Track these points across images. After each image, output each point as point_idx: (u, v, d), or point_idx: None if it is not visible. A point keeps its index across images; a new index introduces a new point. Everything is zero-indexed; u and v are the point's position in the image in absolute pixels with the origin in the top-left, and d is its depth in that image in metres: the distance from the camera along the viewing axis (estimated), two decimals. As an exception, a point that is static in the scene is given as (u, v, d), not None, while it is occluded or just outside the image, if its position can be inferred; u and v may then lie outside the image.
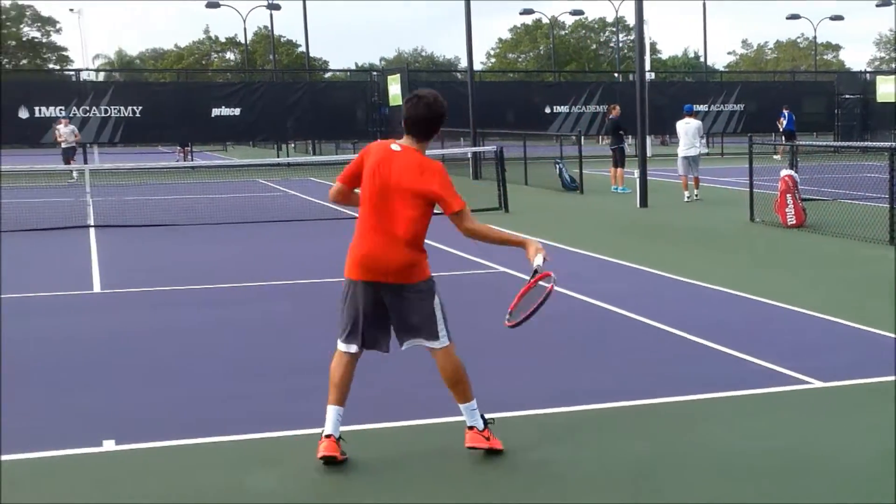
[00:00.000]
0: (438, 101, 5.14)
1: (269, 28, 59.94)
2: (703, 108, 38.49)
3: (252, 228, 16.41)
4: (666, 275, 10.95)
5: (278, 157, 37.53)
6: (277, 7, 55.51)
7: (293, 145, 43.66)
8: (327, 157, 37.26)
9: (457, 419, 5.44)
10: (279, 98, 35.75)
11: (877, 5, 57.79)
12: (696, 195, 19.92)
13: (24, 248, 13.98)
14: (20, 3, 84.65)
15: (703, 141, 24.27)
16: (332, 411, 5.18)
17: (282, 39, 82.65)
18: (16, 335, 8.30)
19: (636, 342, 7.94)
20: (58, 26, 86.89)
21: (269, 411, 6.16)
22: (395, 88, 35.41)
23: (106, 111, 33.70)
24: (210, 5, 54.05)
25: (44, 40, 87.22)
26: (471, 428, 5.24)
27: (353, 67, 66.82)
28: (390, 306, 5.14)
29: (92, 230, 15.93)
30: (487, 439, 5.23)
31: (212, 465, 5.27)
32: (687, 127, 20.15)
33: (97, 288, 10.80)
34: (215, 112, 34.84)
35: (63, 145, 29.54)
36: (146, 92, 35.82)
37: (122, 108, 33.72)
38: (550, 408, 6.08)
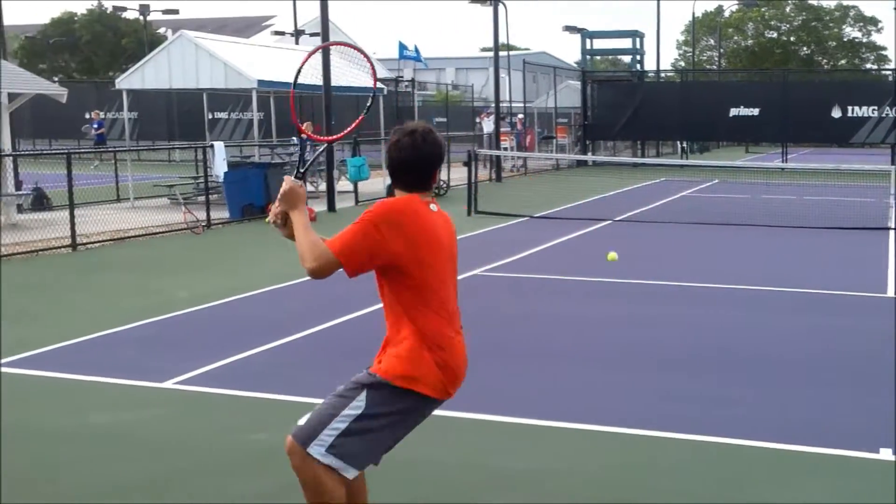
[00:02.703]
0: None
1: None
2: None
3: None
4: None
5: None
6: None
7: None
8: None
9: None
10: None
11: None
12: None
13: (824, 246, 14.44)
14: (844, 3, 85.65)
15: None
16: None
17: None
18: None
19: None
20: (879, 25, 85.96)
21: None
22: None
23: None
24: None
25: (864, 40, 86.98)
26: None
27: None
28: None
29: (892, 233, 15.51)
30: None
31: None
32: None
33: (890, 292, 10.53)
34: None
35: None
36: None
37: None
38: None
